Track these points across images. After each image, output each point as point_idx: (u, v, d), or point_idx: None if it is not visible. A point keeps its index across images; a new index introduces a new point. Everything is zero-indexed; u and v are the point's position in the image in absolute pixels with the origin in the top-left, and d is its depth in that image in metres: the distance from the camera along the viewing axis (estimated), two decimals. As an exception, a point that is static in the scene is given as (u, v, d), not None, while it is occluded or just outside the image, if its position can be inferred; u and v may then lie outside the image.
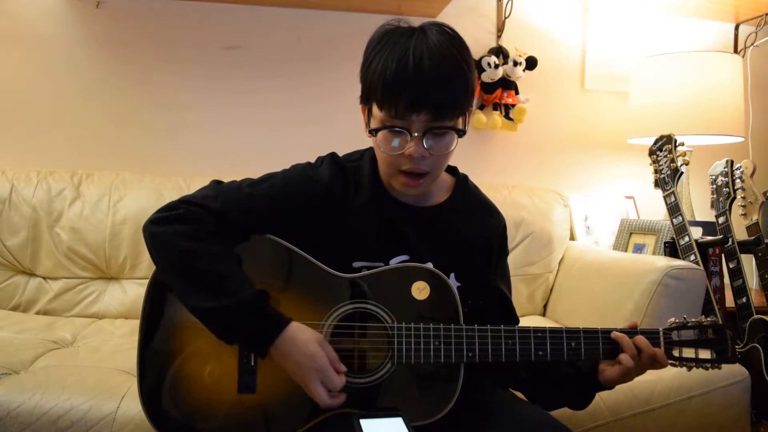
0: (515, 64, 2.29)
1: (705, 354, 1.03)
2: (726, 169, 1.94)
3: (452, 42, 0.96)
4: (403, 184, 1.02)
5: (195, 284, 0.94)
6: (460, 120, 1.00)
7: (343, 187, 1.07)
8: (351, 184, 1.08)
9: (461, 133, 1.00)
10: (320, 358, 0.92)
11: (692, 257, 1.70)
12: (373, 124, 1.00)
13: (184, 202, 1.00)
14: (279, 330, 0.92)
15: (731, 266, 1.87)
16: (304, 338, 0.93)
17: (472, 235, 1.11)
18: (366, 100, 1.02)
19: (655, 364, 1.01)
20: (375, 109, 0.99)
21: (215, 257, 0.96)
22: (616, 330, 1.02)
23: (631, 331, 1.02)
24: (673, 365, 1.03)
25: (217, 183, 1.07)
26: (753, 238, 1.90)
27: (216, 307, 0.92)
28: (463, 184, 1.16)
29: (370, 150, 1.12)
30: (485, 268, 1.12)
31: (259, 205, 1.02)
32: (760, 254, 1.89)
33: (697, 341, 1.03)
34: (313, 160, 1.12)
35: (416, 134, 0.96)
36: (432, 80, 0.93)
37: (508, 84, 2.32)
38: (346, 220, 1.05)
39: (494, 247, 1.14)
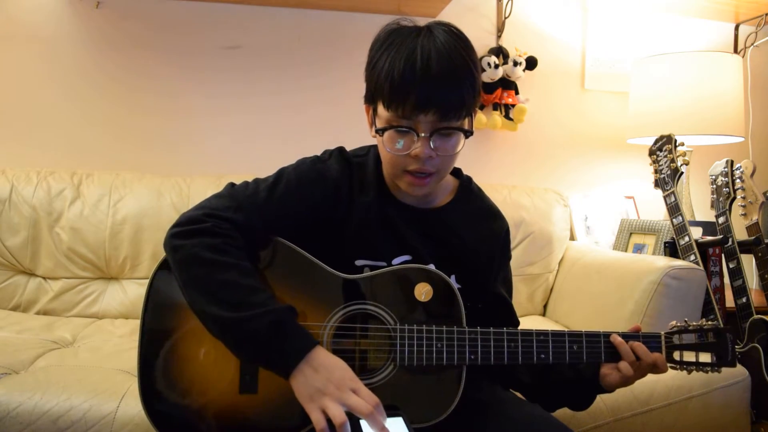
0: (515, 64, 2.29)
1: (705, 357, 1.03)
2: (726, 169, 1.94)
3: (459, 42, 0.96)
4: (409, 184, 1.02)
5: (221, 295, 0.91)
6: (467, 120, 1.00)
7: (350, 183, 1.07)
8: (356, 181, 1.07)
9: (468, 134, 1.00)
10: (351, 372, 0.90)
11: (692, 257, 1.70)
12: (379, 124, 0.99)
13: (208, 215, 0.97)
14: (312, 345, 0.90)
15: (731, 266, 1.88)
16: (334, 357, 0.91)
17: (474, 238, 1.10)
18: (371, 99, 1.01)
19: (655, 369, 1.01)
20: (381, 109, 0.98)
21: (244, 271, 0.94)
22: (617, 334, 1.02)
23: (633, 335, 1.03)
24: (673, 368, 1.03)
25: (231, 186, 1.05)
26: (753, 238, 1.90)
27: (243, 317, 0.89)
28: (466, 187, 1.15)
29: (376, 147, 1.11)
30: (486, 272, 1.12)
31: (277, 210, 1.01)
32: (760, 254, 1.89)
33: (697, 345, 1.03)
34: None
35: (423, 135, 0.96)
36: (440, 80, 0.93)
37: (508, 84, 2.32)
38: (351, 217, 1.05)
39: (496, 251, 1.13)
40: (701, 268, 1.66)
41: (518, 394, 1.13)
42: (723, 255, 1.89)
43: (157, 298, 1.00)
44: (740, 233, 1.91)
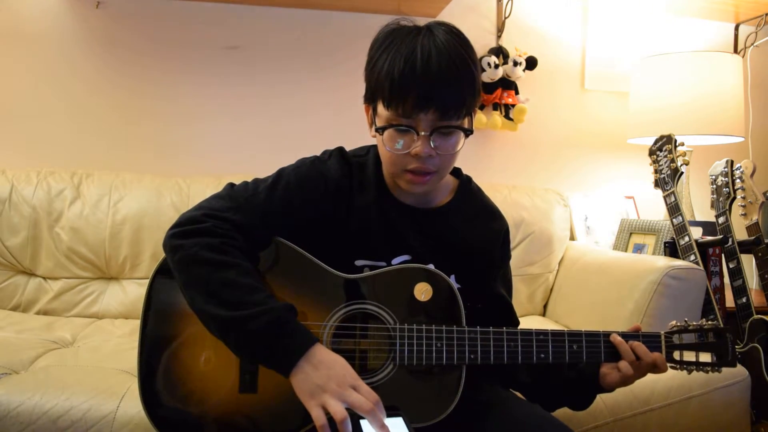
0: (515, 64, 2.29)
1: (705, 357, 1.03)
2: (726, 169, 1.94)
3: (459, 41, 0.96)
4: (409, 181, 1.01)
5: (220, 295, 0.91)
6: (467, 120, 1.00)
7: (350, 183, 1.07)
8: (356, 181, 1.07)
9: (468, 133, 1.00)
10: (351, 369, 0.90)
11: (692, 257, 1.70)
12: (379, 123, 0.99)
13: (207, 215, 0.97)
14: (311, 342, 0.90)
15: (731, 266, 1.88)
16: (334, 355, 0.91)
17: (473, 238, 1.10)
18: (371, 99, 1.01)
19: (655, 369, 1.01)
20: (381, 108, 0.98)
21: (243, 270, 0.93)
22: (617, 333, 1.02)
23: (632, 335, 1.03)
24: (673, 368, 1.03)
25: (231, 186, 1.05)
26: (753, 238, 1.90)
27: (242, 316, 0.88)
28: (466, 187, 1.15)
29: (375, 147, 1.11)
30: (486, 272, 1.12)
31: (277, 210, 1.01)
32: (760, 254, 1.89)
33: (697, 345, 1.03)
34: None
35: (423, 133, 0.96)
36: (440, 79, 0.93)
37: (508, 84, 2.32)
38: (351, 217, 1.05)
39: (496, 251, 1.13)
40: (701, 268, 1.66)
41: (518, 394, 1.13)
42: (723, 255, 1.89)
43: (156, 300, 1.00)
44: (740, 233, 1.91)
